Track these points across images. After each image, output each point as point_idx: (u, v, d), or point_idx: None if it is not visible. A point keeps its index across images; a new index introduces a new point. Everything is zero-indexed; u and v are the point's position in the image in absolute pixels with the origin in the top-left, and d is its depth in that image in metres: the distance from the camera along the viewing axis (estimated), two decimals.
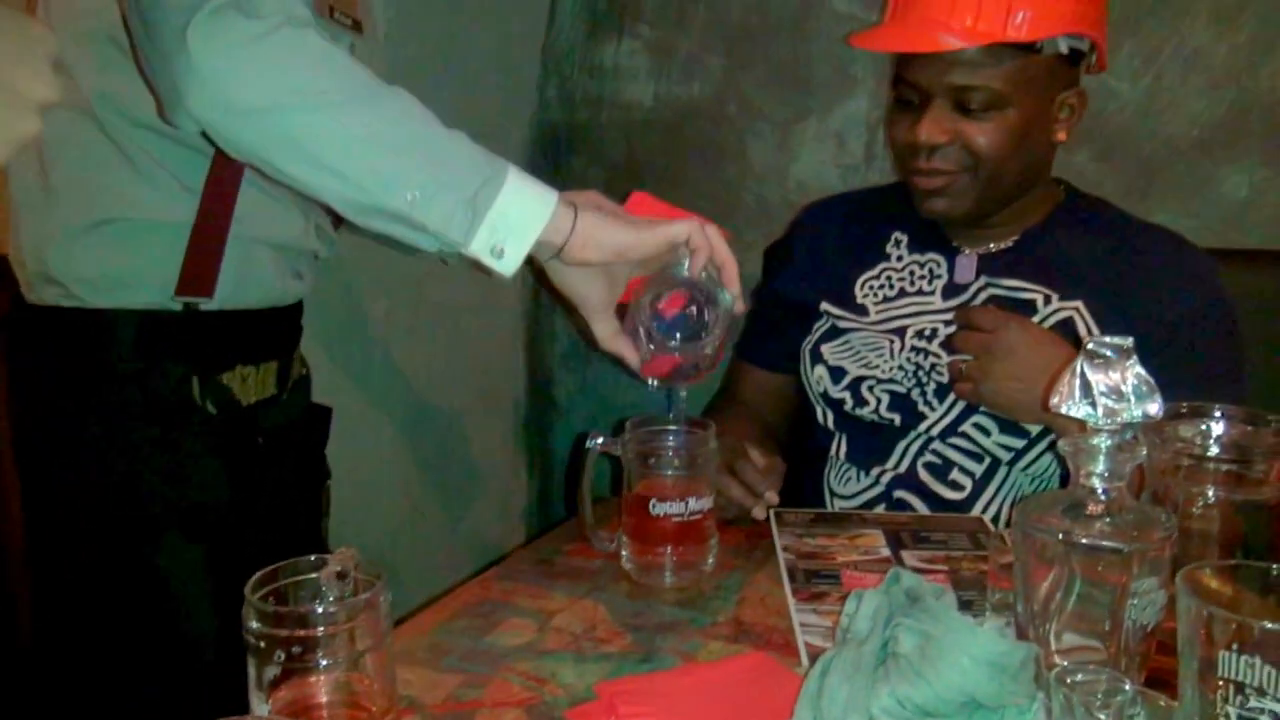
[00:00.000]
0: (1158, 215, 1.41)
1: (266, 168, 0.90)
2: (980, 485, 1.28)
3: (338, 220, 1.29)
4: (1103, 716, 0.65)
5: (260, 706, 0.71)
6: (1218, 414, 0.86)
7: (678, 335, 1.01)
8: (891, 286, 1.36)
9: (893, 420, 1.32)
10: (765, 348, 1.49)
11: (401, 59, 1.35)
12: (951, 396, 1.28)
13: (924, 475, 1.30)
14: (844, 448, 1.36)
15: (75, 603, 1.10)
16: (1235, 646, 0.65)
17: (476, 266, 0.94)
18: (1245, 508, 0.82)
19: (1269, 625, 0.65)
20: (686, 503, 1.04)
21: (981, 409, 1.25)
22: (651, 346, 1.01)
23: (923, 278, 1.35)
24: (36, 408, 1.10)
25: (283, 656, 0.70)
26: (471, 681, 0.88)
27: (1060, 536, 0.76)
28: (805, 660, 0.90)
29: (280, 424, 1.20)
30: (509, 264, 0.91)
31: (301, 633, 0.70)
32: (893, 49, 1.29)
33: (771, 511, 1.19)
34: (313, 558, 0.75)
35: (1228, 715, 0.66)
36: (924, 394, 1.30)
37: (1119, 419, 0.76)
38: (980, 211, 1.28)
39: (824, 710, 0.75)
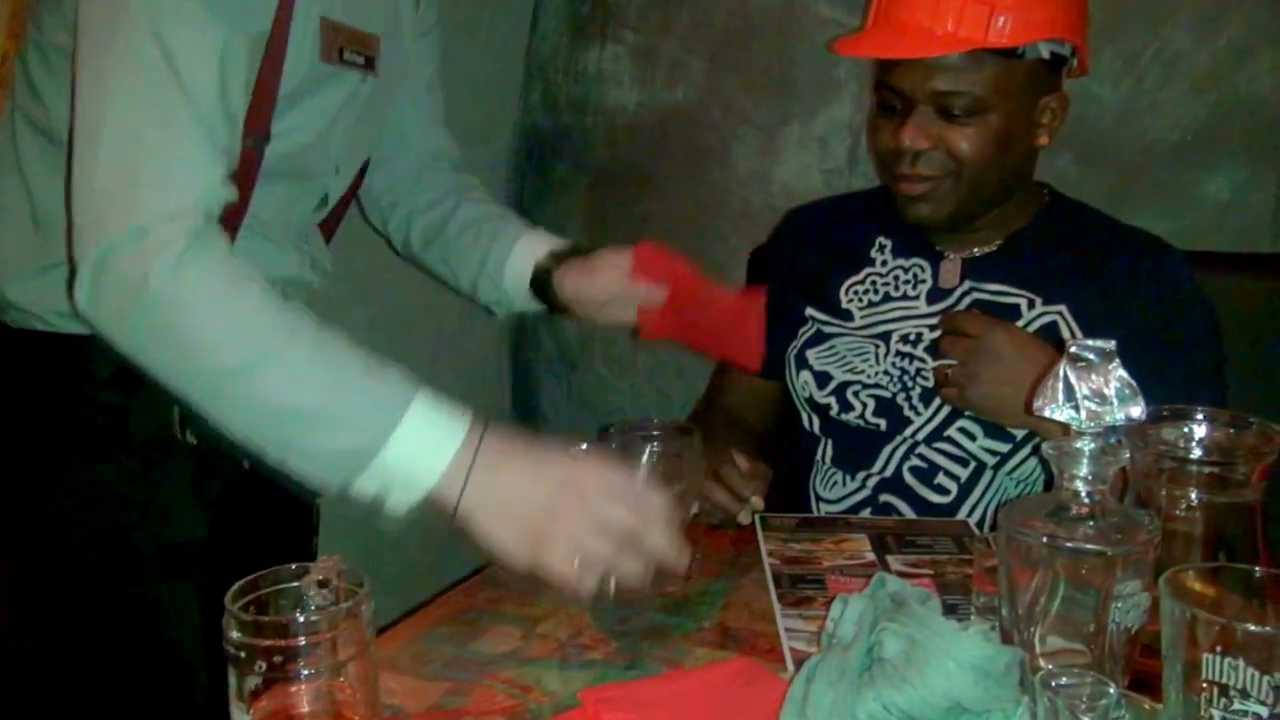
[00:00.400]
0: (1139, 219, 1.42)
1: None
2: (966, 489, 1.29)
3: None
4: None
5: (241, 717, 0.70)
6: (1200, 417, 0.86)
7: None
8: (876, 291, 1.36)
9: (878, 425, 1.32)
10: None
11: None
12: (937, 401, 1.28)
13: (910, 479, 1.30)
14: (829, 452, 1.36)
15: (57, 632, 1.09)
16: (1219, 649, 0.65)
17: None
18: (1228, 510, 0.82)
19: (1252, 628, 0.65)
20: None
21: (967, 413, 1.26)
22: None
23: (907, 282, 1.35)
24: (13, 435, 1.09)
25: (264, 666, 0.70)
26: (456, 689, 0.87)
27: (1044, 540, 0.76)
28: (791, 665, 0.89)
29: None
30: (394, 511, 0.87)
31: (283, 642, 0.70)
32: (875, 55, 1.29)
33: (757, 517, 1.19)
34: (294, 566, 0.74)
35: (1212, 717, 0.66)
36: (909, 399, 1.30)
37: (1102, 422, 0.76)
38: (963, 216, 1.28)
39: (809, 715, 0.75)
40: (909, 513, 1.30)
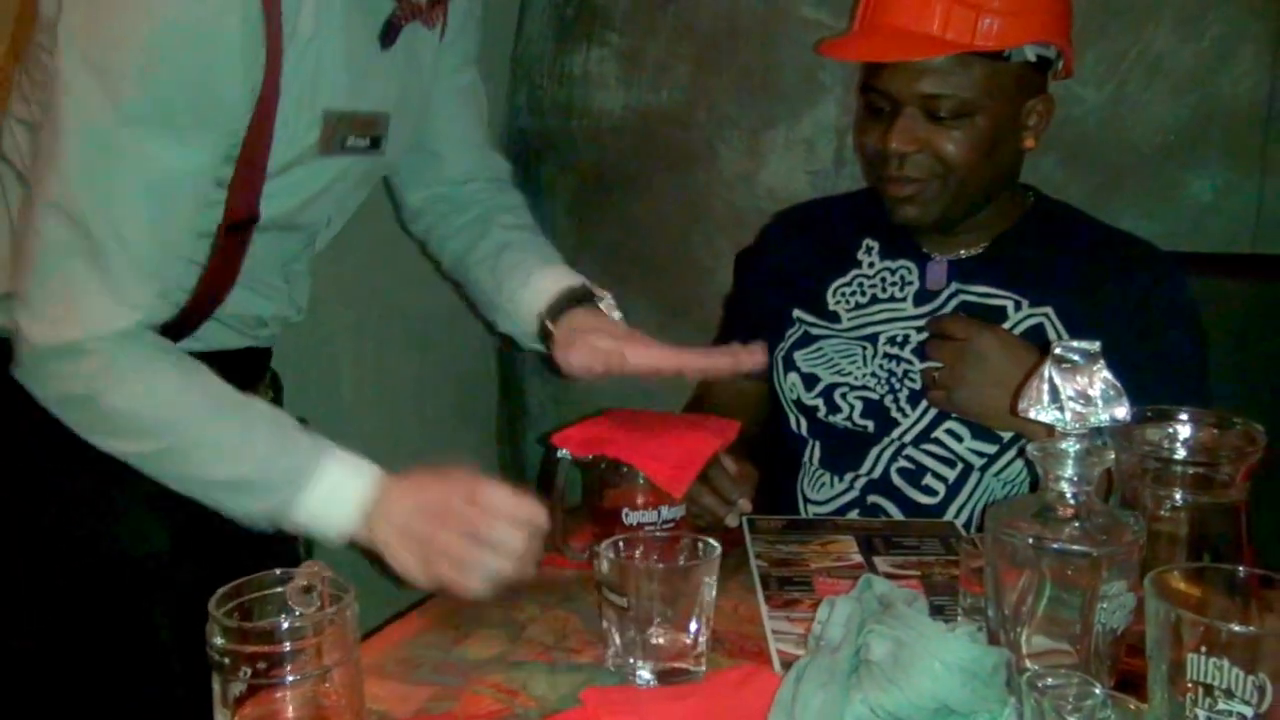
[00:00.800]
0: (1123, 220, 1.42)
1: None
2: (953, 491, 1.29)
3: None
4: None
5: None
6: (1184, 417, 0.86)
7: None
8: (863, 293, 1.37)
9: (866, 427, 1.32)
10: None
11: None
12: (924, 403, 1.28)
13: (897, 480, 1.31)
14: (817, 454, 1.36)
15: (26, 640, 1.08)
16: (1203, 649, 0.65)
17: None
18: (1212, 510, 0.82)
19: (1236, 628, 0.66)
20: (659, 511, 1.04)
21: (954, 415, 1.26)
22: None
23: (894, 284, 1.35)
24: None
25: (248, 672, 0.69)
26: (442, 694, 0.87)
27: (1030, 541, 0.76)
28: (779, 668, 0.89)
29: None
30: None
31: (267, 648, 0.69)
32: (862, 58, 1.29)
33: (744, 519, 1.18)
34: (278, 572, 0.74)
35: (1197, 717, 0.67)
36: (897, 400, 1.31)
37: (1087, 423, 0.76)
38: (950, 218, 1.29)
39: (797, 717, 0.74)
40: (897, 514, 1.30)
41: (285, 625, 0.70)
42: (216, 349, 1.09)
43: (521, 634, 0.97)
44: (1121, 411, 0.76)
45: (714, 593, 0.90)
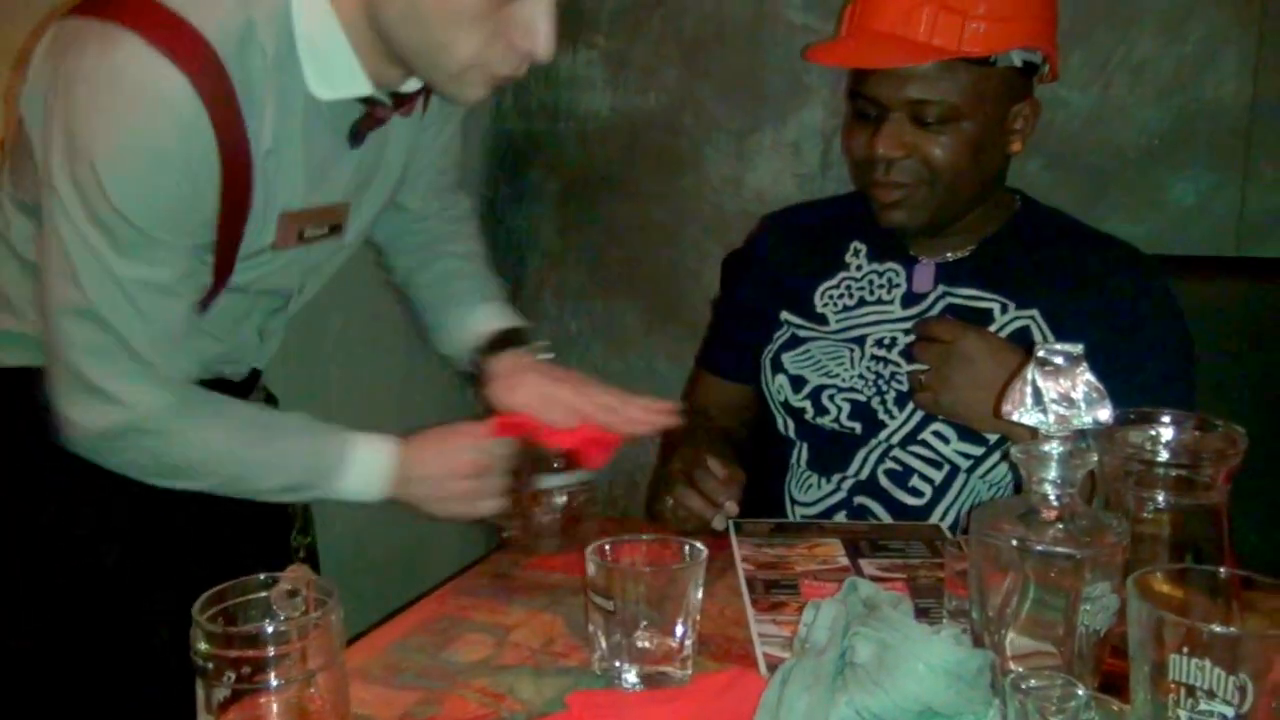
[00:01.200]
0: (1107, 223, 1.43)
1: None
2: (940, 492, 1.29)
3: None
4: None
5: None
6: (1167, 420, 0.87)
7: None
8: (851, 296, 1.37)
9: (853, 429, 1.32)
10: (725, 357, 1.49)
11: None
12: (911, 405, 1.29)
13: (884, 482, 1.31)
14: (804, 455, 1.37)
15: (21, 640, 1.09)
16: (1185, 650, 0.66)
17: None
18: (1194, 512, 0.83)
19: (1218, 629, 0.66)
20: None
21: (940, 417, 1.26)
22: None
23: (881, 287, 1.35)
24: None
25: (232, 677, 0.69)
26: (428, 699, 0.87)
27: (1014, 543, 0.77)
28: (764, 671, 0.90)
29: None
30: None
31: (251, 653, 0.69)
32: (849, 64, 1.30)
33: (730, 522, 1.19)
34: (262, 576, 0.74)
35: (1179, 718, 0.67)
36: (884, 402, 1.31)
37: (1070, 426, 0.77)
38: (937, 222, 1.29)
39: None
40: (884, 515, 1.30)
41: (269, 630, 0.70)
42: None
43: (507, 638, 0.97)
44: (1104, 414, 0.77)
45: (700, 596, 0.90)
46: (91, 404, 0.98)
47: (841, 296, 1.37)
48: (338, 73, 0.97)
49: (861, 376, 1.32)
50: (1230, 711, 0.65)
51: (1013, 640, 0.78)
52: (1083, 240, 1.34)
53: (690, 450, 1.24)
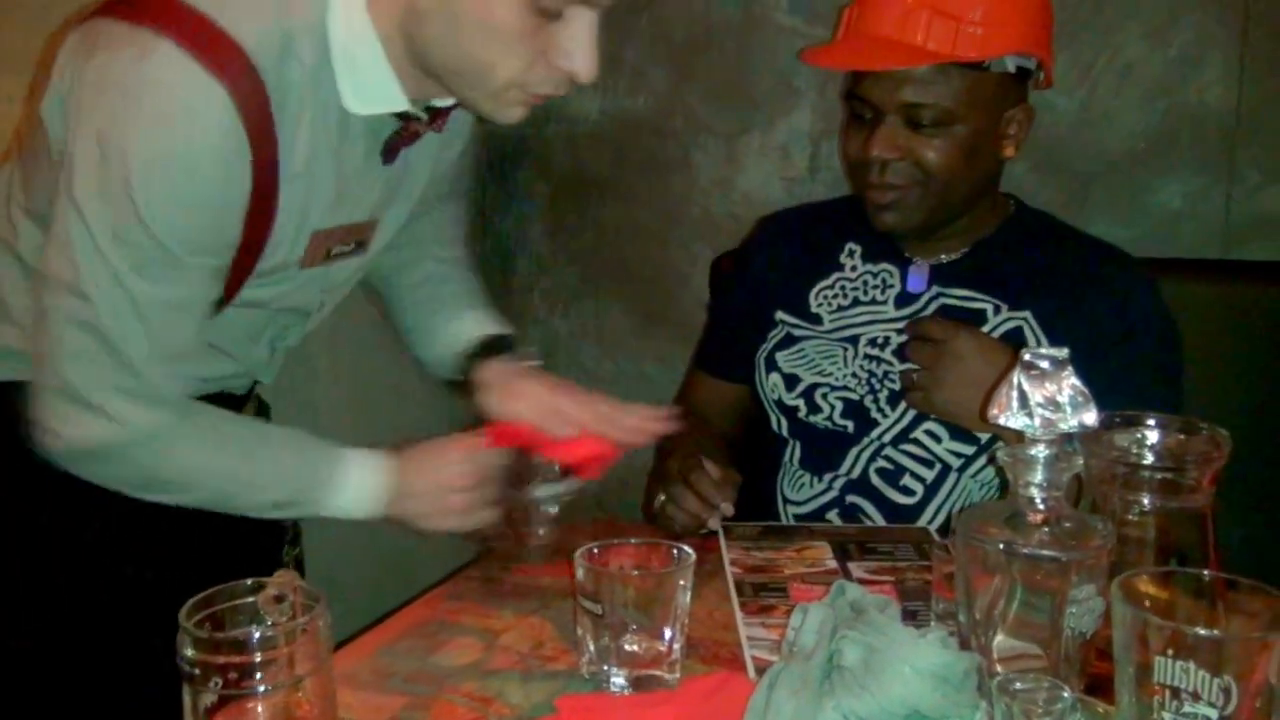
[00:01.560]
0: (1094, 226, 1.44)
1: None
2: (931, 491, 1.30)
3: None
4: None
5: None
6: (1152, 423, 0.87)
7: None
8: (845, 296, 1.38)
9: (846, 427, 1.33)
10: (720, 357, 1.50)
11: None
12: (904, 404, 1.29)
13: (876, 481, 1.31)
14: (797, 454, 1.37)
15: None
16: (1170, 652, 0.66)
17: None
18: (1179, 515, 0.83)
19: (1202, 631, 0.66)
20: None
21: (933, 416, 1.27)
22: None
23: (876, 287, 1.36)
24: None
25: (219, 683, 0.69)
26: (416, 703, 0.87)
27: (1000, 546, 0.77)
28: (753, 674, 0.90)
29: None
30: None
31: (238, 658, 0.69)
32: (846, 66, 1.31)
33: (720, 525, 1.19)
34: (249, 581, 0.73)
35: (1164, 719, 0.67)
36: (877, 401, 1.32)
37: (1055, 429, 0.77)
38: (931, 224, 1.30)
39: None
40: (875, 513, 1.31)
41: (257, 635, 0.70)
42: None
43: (496, 642, 0.97)
44: (1090, 417, 0.77)
45: (689, 599, 0.90)
46: (80, 418, 0.96)
47: (836, 296, 1.38)
48: (374, 87, 0.95)
49: (855, 375, 1.33)
50: (1214, 714, 0.65)
51: (999, 643, 0.79)
52: (1076, 245, 1.36)
53: (687, 452, 1.24)
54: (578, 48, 0.90)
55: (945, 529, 1.24)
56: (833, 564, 1.11)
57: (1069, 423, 0.77)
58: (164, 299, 0.94)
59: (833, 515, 1.33)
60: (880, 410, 1.32)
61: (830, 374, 1.34)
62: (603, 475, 1.12)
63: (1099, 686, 0.78)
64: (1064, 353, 0.79)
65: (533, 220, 2.18)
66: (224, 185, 0.90)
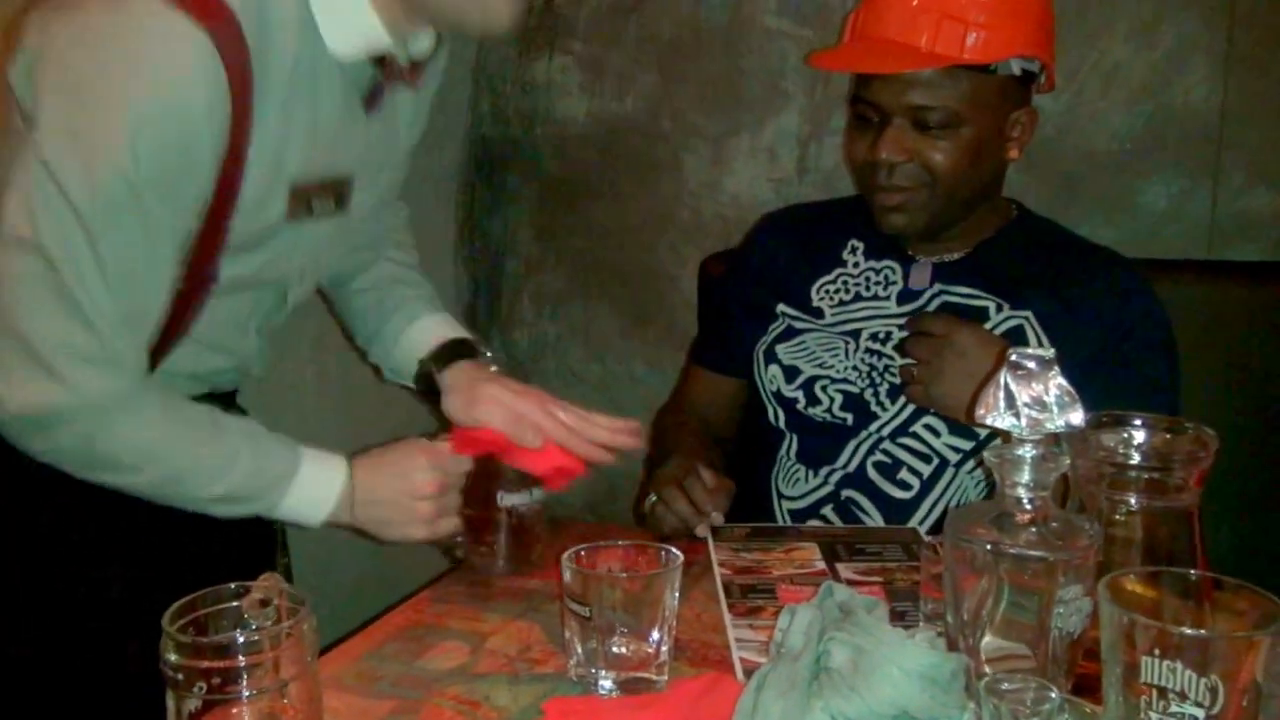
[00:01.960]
0: (1081, 227, 1.45)
1: None
2: (928, 486, 1.30)
3: None
4: None
5: None
6: (1139, 422, 0.87)
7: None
8: (848, 291, 1.38)
9: (844, 420, 1.33)
10: (719, 351, 1.50)
11: None
12: (903, 397, 1.30)
13: (873, 474, 1.32)
14: (794, 448, 1.37)
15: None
16: (1157, 652, 0.66)
17: None
18: (1166, 514, 0.83)
19: (1188, 631, 0.67)
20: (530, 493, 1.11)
21: (932, 411, 1.27)
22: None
23: (878, 283, 1.37)
24: None
25: (203, 688, 0.68)
26: (403, 707, 0.86)
27: (988, 546, 0.77)
28: (741, 676, 0.89)
29: None
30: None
31: (222, 663, 0.68)
32: (853, 69, 1.32)
33: (708, 532, 1.19)
34: (233, 585, 0.73)
35: (1150, 719, 0.67)
36: (876, 394, 1.32)
37: (1042, 429, 0.77)
38: (936, 226, 1.31)
39: None
40: (871, 508, 1.31)
41: (241, 639, 0.69)
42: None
43: (483, 645, 0.97)
44: (1076, 417, 0.77)
45: (676, 601, 0.90)
46: (31, 380, 0.93)
47: (838, 291, 1.39)
48: (353, 24, 0.95)
49: (855, 368, 1.33)
50: (1201, 713, 0.65)
51: (987, 643, 0.79)
52: (1075, 249, 1.38)
53: (682, 456, 1.25)
54: None
55: (940, 524, 1.24)
56: (821, 565, 1.11)
57: (1056, 423, 0.77)
58: (131, 256, 0.93)
59: (828, 510, 1.33)
60: (880, 403, 1.32)
61: (831, 367, 1.35)
62: (569, 489, 1.11)
63: (1086, 686, 0.78)
64: (1051, 353, 0.79)
65: (521, 223, 2.18)
66: (205, 127, 0.90)
